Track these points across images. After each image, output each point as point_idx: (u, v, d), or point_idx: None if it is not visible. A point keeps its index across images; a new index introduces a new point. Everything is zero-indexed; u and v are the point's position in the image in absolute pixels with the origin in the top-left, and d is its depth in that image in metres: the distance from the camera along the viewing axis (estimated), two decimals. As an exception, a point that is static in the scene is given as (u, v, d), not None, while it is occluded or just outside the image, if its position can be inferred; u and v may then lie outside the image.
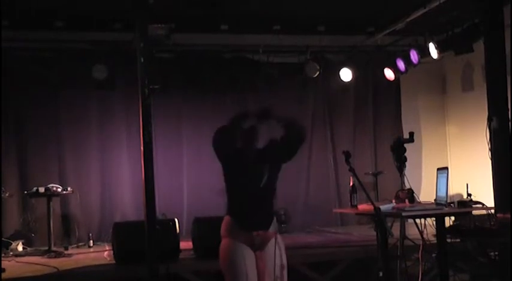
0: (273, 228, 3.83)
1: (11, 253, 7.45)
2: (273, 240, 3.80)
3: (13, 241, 7.79)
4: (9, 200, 8.08)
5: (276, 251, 3.76)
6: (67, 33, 8.22)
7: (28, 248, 7.84)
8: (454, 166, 9.47)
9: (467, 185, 6.01)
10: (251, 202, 3.75)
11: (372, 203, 4.08)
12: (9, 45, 7.59)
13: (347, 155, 4.23)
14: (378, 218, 4.16)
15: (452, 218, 6.36)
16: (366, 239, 7.20)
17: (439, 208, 4.89)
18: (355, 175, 4.17)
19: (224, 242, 3.76)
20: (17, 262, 6.93)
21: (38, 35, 8.16)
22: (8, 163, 8.22)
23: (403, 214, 4.72)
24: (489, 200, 6.08)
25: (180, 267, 6.25)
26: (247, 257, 3.67)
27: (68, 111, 8.77)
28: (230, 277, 3.70)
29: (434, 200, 5.23)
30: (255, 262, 3.69)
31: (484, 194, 6.41)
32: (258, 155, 3.85)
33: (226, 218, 3.81)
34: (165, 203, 8.21)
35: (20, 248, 7.69)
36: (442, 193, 5.00)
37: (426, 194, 7.08)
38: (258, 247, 3.72)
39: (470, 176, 7.68)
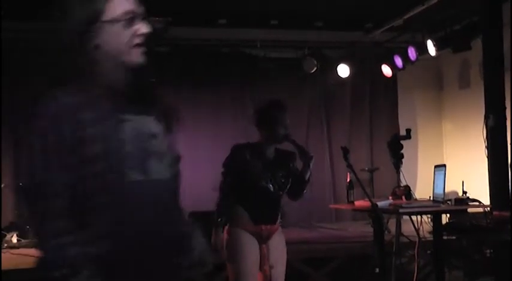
0: (279, 222, 3.91)
1: (6, 245, 7.41)
2: (277, 232, 3.87)
3: (7, 232, 7.76)
4: (4, 191, 8.02)
5: (281, 242, 3.80)
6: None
7: (23, 240, 7.80)
8: (449, 163, 9.43)
9: (462, 182, 6.00)
10: (262, 198, 3.79)
11: (370, 200, 4.07)
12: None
13: (345, 151, 4.21)
14: (375, 215, 4.16)
15: (448, 215, 6.36)
16: (362, 235, 7.20)
17: (437, 205, 4.89)
18: (353, 171, 4.15)
19: (230, 230, 3.79)
20: (12, 254, 6.90)
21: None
22: (3, 153, 8.15)
23: (401, 210, 4.72)
24: (484, 198, 6.08)
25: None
26: (252, 244, 3.71)
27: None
28: (231, 262, 3.73)
29: (430, 197, 5.23)
30: (259, 252, 3.74)
31: (480, 191, 6.41)
32: (275, 161, 3.86)
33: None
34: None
35: (14, 240, 7.65)
36: (439, 190, 4.99)
37: (421, 190, 7.08)
38: (264, 240, 3.77)
39: (466, 174, 7.67)
